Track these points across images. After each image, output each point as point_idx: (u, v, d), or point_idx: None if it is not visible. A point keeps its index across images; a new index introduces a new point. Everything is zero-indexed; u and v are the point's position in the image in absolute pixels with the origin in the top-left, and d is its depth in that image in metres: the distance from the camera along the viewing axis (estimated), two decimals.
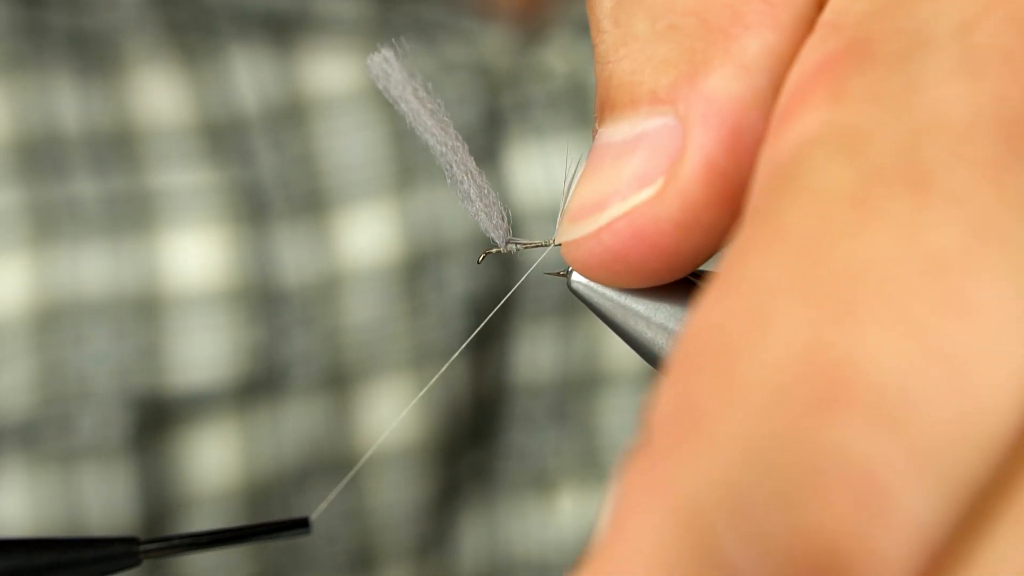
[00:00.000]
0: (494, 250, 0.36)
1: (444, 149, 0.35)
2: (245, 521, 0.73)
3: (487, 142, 0.74)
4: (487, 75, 0.74)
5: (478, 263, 0.37)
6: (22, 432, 0.69)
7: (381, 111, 0.74)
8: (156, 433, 0.71)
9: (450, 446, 0.75)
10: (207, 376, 0.71)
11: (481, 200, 0.35)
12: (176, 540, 0.39)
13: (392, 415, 0.74)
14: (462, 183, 0.35)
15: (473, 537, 0.77)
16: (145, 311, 0.71)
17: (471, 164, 0.35)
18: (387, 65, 0.35)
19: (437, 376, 0.47)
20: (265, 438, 0.72)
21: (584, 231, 0.31)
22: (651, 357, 0.34)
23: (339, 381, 0.73)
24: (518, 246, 0.36)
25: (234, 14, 0.73)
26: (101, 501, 0.70)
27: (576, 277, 0.34)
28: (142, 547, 0.39)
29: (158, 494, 0.71)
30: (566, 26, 0.76)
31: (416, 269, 0.74)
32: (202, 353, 0.71)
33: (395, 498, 0.75)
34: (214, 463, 0.72)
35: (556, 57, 0.75)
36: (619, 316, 0.34)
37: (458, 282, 0.74)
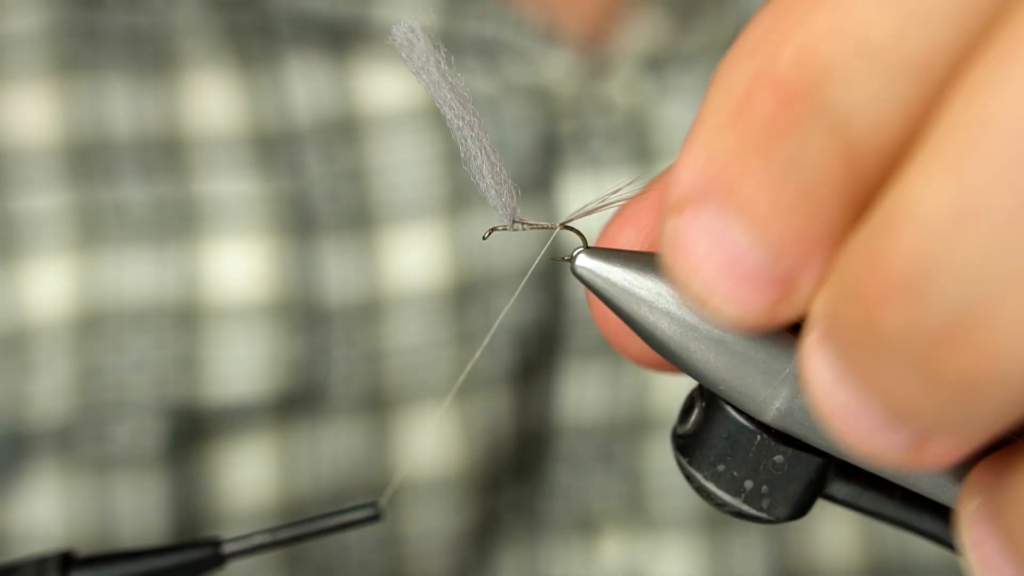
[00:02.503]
0: (500, 227, 0.36)
1: (461, 123, 0.35)
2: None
3: (542, 168, 0.74)
4: (547, 101, 0.74)
5: (484, 239, 0.37)
6: (58, 437, 0.69)
7: (436, 131, 0.74)
8: (191, 445, 0.71)
9: (491, 479, 0.74)
10: (245, 389, 0.70)
11: (493, 177, 0.35)
12: (256, 538, 0.41)
13: (432, 443, 0.73)
14: (475, 158, 0.35)
15: (513, 574, 0.75)
16: (186, 320, 0.70)
17: (486, 141, 0.35)
18: (412, 35, 0.35)
19: (480, 350, 0.48)
20: (301, 456, 0.72)
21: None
22: (653, 341, 0.34)
23: (379, 404, 0.73)
24: (524, 225, 0.36)
25: (295, 21, 0.74)
26: (134, 511, 0.70)
27: (580, 261, 0.34)
28: (226, 548, 0.41)
29: (190, 507, 0.71)
30: (631, 60, 0.76)
31: (463, 296, 0.73)
32: (241, 366, 0.70)
33: (432, 527, 0.74)
34: (248, 478, 0.72)
35: (619, 90, 0.75)
36: (623, 301, 0.34)
37: (507, 314, 0.73)
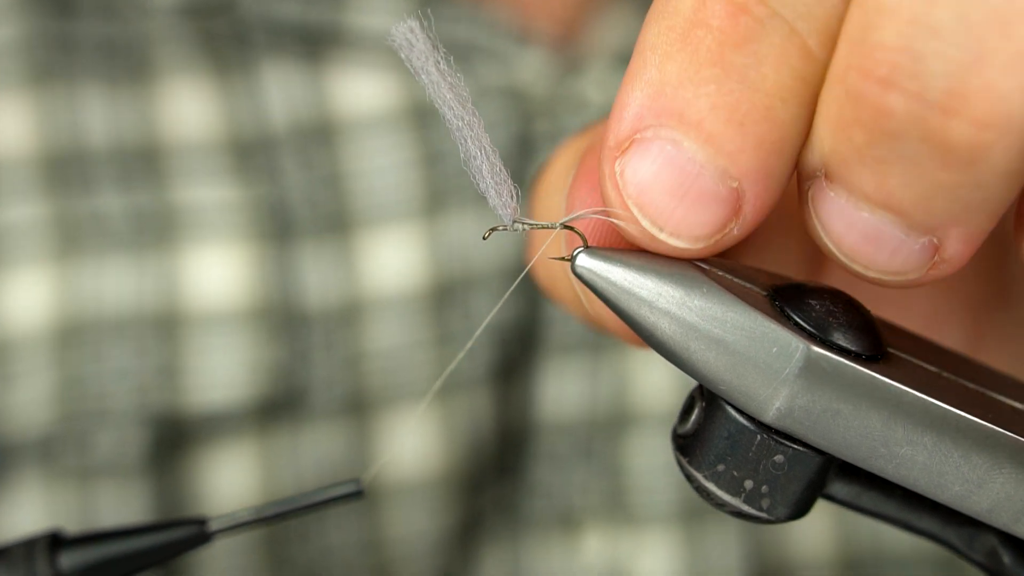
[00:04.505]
0: (500, 227, 0.36)
1: (460, 124, 0.35)
2: (263, 546, 0.72)
3: (518, 168, 0.74)
4: (521, 101, 0.74)
5: (484, 239, 0.37)
6: (40, 447, 0.69)
7: (412, 133, 0.73)
8: (173, 453, 0.70)
9: (473, 479, 0.74)
10: (226, 396, 0.70)
11: (492, 177, 0.35)
12: (242, 516, 0.41)
13: (414, 444, 0.73)
14: (475, 159, 0.35)
15: (496, 573, 0.75)
16: (166, 328, 0.70)
17: (486, 141, 0.35)
18: (412, 36, 0.35)
19: (462, 354, 0.48)
20: (283, 461, 0.72)
21: None
22: (653, 341, 0.34)
23: (360, 407, 0.72)
24: (524, 225, 0.36)
25: (269, 28, 0.73)
26: (117, 520, 0.69)
27: (580, 261, 0.34)
28: (212, 525, 0.41)
29: (173, 514, 0.70)
30: (604, 57, 0.75)
31: (442, 297, 0.73)
32: (221, 372, 0.70)
33: (415, 529, 0.73)
34: (231, 484, 0.71)
35: (592, 87, 0.75)
36: (623, 301, 0.34)
37: (485, 312, 0.73)
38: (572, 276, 0.35)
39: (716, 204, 0.32)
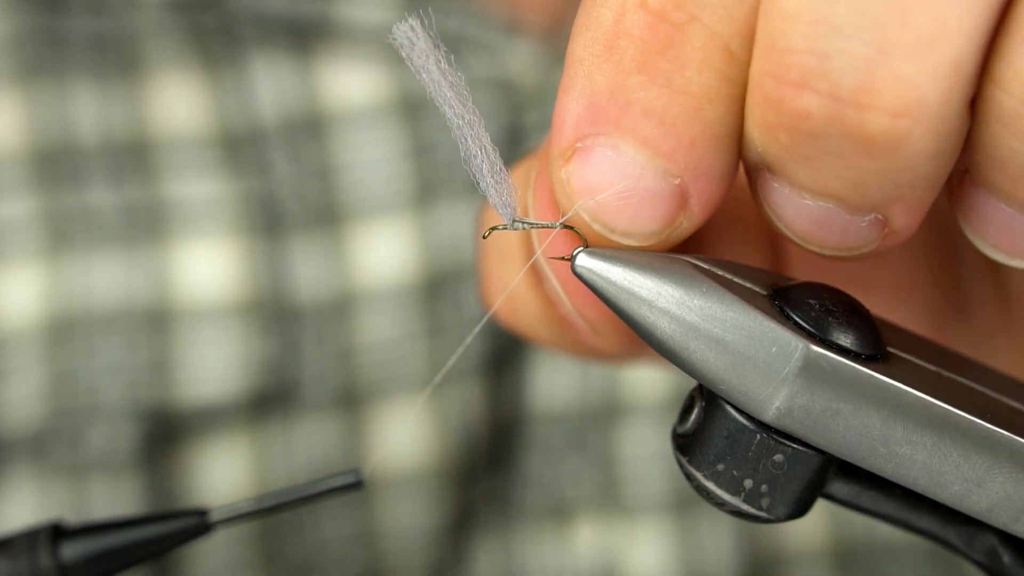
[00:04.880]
0: (500, 226, 0.36)
1: (461, 123, 0.35)
2: (257, 541, 0.72)
3: (508, 159, 0.74)
4: (511, 92, 0.74)
5: (484, 238, 0.37)
6: (32, 443, 0.68)
7: (402, 125, 0.73)
8: (165, 447, 0.70)
9: (466, 471, 0.74)
10: (217, 390, 0.70)
11: (492, 177, 0.35)
12: (242, 507, 0.42)
13: (407, 438, 0.73)
14: (475, 158, 0.35)
15: (488, 564, 0.75)
16: (157, 323, 0.70)
17: (486, 140, 0.35)
18: (413, 34, 0.35)
19: (459, 351, 0.48)
20: (275, 455, 0.72)
21: None
22: (653, 340, 0.34)
23: (352, 400, 0.72)
24: (524, 224, 0.36)
25: (258, 21, 0.73)
26: (110, 515, 0.70)
27: (580, 261, 0.34)
28: (213, 516, 0.42)
29: (167, 509, 0.70)
30: None
31: (434, 289, 0.73)
32: (213, 366, 0.70)
33: (408, 522, 0.73)
34: (223, 478, 0.71)
35: None
36: (622, 300, 0.34)
37: (477, 303, 0.73)
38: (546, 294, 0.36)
39: (661, 201, 0.33)
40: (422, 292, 0.73)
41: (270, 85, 0.73)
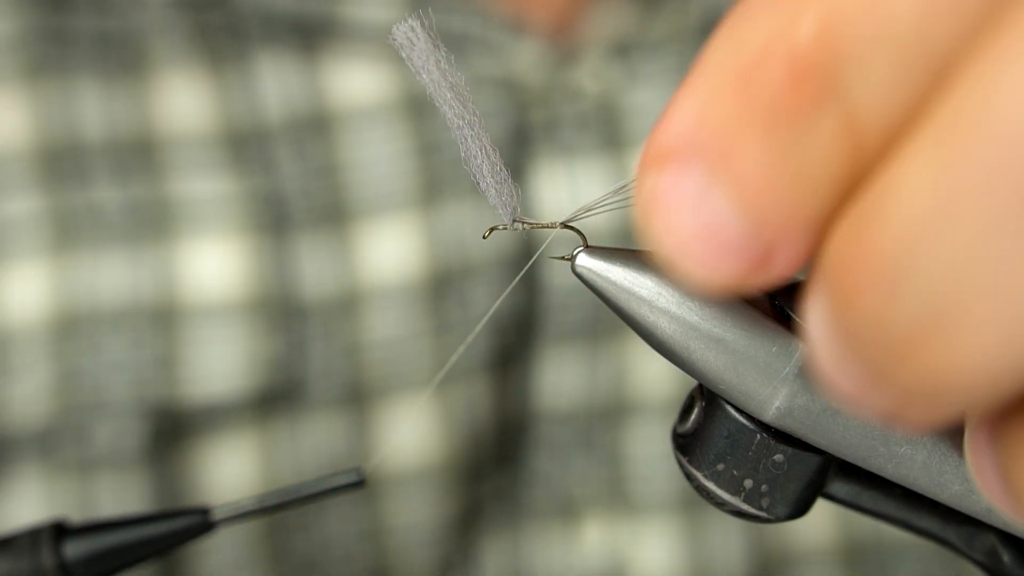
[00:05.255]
0: (501, 227, 0.36)
1: (461, 123, 0.35)
2: (264, 538, 0.72)
3: (513, 158, 0.74)
4: (517, 91, 0.74)
5: (484, 238, 0.37)
6: (38, 440, 0.69)
7: (407, 123, 0.73)
8: (171, 445, 0.70)
9: (472, 469, 0.74)
10: (223, 388, 0.70)
11: (493, 177, 0.35)
12: (245, 505, 0.42)
13: (413, 435, 0.73)
14: (475, 158, 0.35)
15: (495, 562, 0.75)
16: (163, 320, 0.70)
17: (486, 140, 0.35)
18: (413, 35, 0.35)
19: (463, 346, 0.48)
20: (282, 453, 0.72)
21: None
22: (653, 340, 0.34)
23: (358, 398, 0.72)
24: (525, 225, 0.36)
25: (264, 20, 0.73)
26: (116, 512, 0.70)
27: (580, 261, 0.34)
28: (215, 514, 0.42)
29: (173, 506, 0.70)
30: (599, 47, 0.75)
31: (440, 287, 0.73)
32: (219, 364, 0.70)
33: (415, 519, 0.74)
34: (230, 476, 0.71)
35: (588, 77, 0.75)
36: (622, 300, 0.34)
37: (482, 301, 0.73)
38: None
39: (740, 256, 0.30)
40: (428, 290, 0.73)
41: (276, 83, 0.73)
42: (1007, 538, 0.36)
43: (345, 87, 0.73)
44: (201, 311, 0.70)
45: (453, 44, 0.74)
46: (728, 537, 0.75)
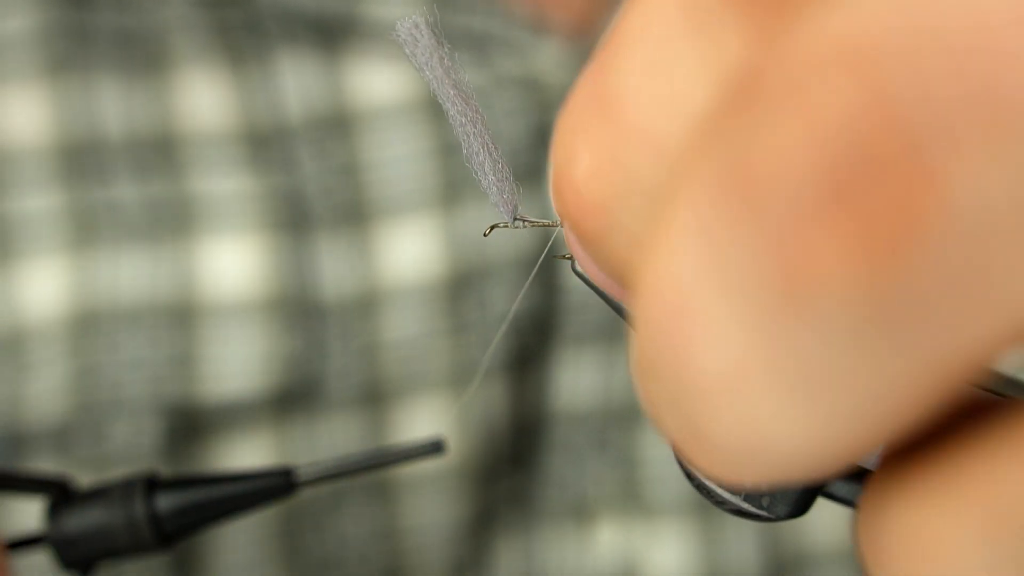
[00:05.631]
0: (501, 224, 0.36)
1: (464, 120, 0.35)
2: (279, 537, 0.72)
3: (534, 158, 0.74)
4: (538, 91, 0.74)
5: (484, 236, 0.38)
6: (55, 437, 0.69)
7: (429, 123, 0.73)
8: (188, 443, 0.70)
9: (487, 470, 0.74)
10: (241, 386, 0.70)
11: (495, 174, 0.35)
12: (327, 467, 0.43)
13: (429, 434, 0.73)
14: (477, 155, 0.35)
15: (508, 563, 0.75)
16: (181, 318, 0.70)
17: (488, 138, 0.35)
18: (416, 31, 0.35)
19: (494, 343, 0.48)
20: (300, 452, 0.72)
21: None
22: None
23: (376, 397, 0.72)
24: (526, 223, 0.36)
25: (285, 18, 0.73)
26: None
27: None
28: (299, 475, 0.43)
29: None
30: None
31: (459, 287, 0.73)
32: (237, 363, 0.70)
33: (429, 520, 0.74)
34: None
35: None
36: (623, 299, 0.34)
37: (501, 302, 0.73)
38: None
39: None
40: (447, 290, 0.73)
41: (296, 82, 0.73)
42: None
43: (366, 86, 0.74)
44: (219, 309, 0.70)
45: (475, 43, 0.74)
46: (742, 539, 0.75)
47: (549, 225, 0.36)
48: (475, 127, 0.35)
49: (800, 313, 0.20)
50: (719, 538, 0.75)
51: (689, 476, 0.36)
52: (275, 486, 0.43)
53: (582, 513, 0.75)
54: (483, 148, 0.35)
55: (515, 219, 0.36)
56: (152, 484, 0.44)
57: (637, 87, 0.24)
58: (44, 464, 0.69)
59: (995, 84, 0.19)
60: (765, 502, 0.35)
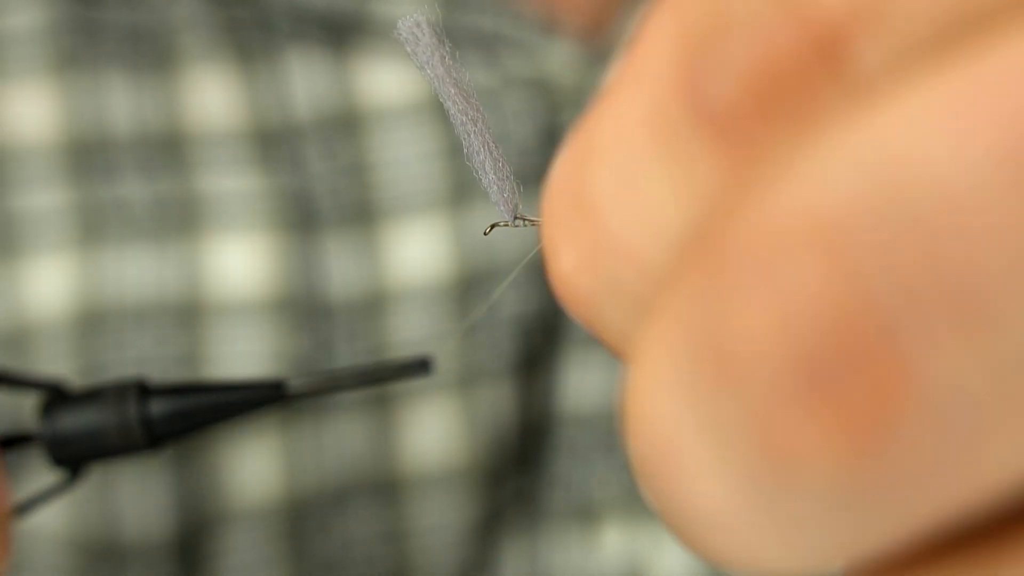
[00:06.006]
0: (502, 223, 0.36)
1: (464, 119, 0.35)
2: (284, 538, 0.72)
3: (544, 160, 0.74)
4: (549, 92, 0.74)
5: (485, 234, 0.38)
6: None
7: (437, 124, 0.73)
8: (192, 440, 0.71)
9: (494, 472, 0.74)
10: None
11: (495, 173, 0.35)
12: (319, 380, 0.44)
13: (436, 436, 0.73)
14: (478, 154, 0.35)
15: (514, 565, 0.75)
16: (187, 317, 0.70)
17: (489, 136, 0.35)
18: (417, 29, 0.35)
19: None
20: (306, 453, 0.72)
21: None
22: None
23: (383, 399, 0.73)
24: (526, 222, 0.36)
25: (294, 16, 0.73)
26: (137, 509, 0.70)
27: None
28: (290, 386, 0.44)
29: (195, 505, 0.70)
30: None
31: (467, 289, 0.73)
32: (243, 362, 0.70)
33: (435, 522, 0.74)
34: (253, 475, 0.71)
35: None
36: None
37: (509, 304, 0.73)
38: None
39: None
40: (455, 291, 0.73)
41: (305, 80, 0.73)
42: None
43: (375, 86, 0.74)
44: (226, 309, 0.70)
45: (484, 43, 0.74)
46: None
47: None
48: (476, 126, 0.35)
49: (782, 480, 0.20)
50: None
51: None
52: (266, 396, 0.44)
53: (588, 515, 0.75)
54: (484, 147, 0.35)
55: (515, 218, 0.36)
56: (144, 389, 0.45)
57: (612, 196, 0.24)
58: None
59: (968, 270, 0.18)
60: None
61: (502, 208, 0.35)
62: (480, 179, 0.35)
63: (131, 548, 0.70)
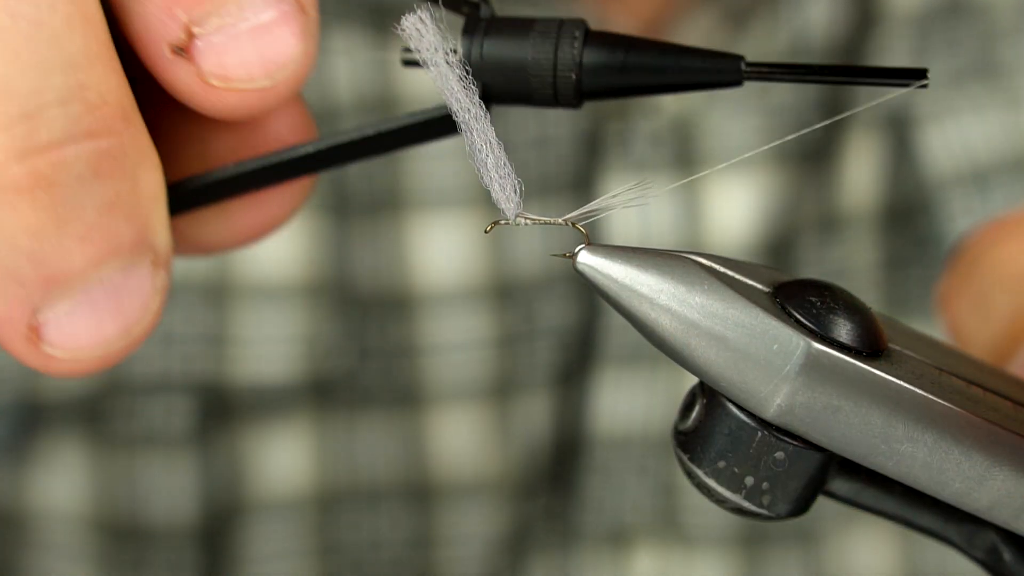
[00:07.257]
0: (503, 222, 0.36)
1: (467, 116, 0.35)
2: (312, 533, 0.72)
3: (583, 167, 0.73)
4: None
5: (486, 232, 0.38)
6: (86, 412, 0.70)
7: None
8: (220, 424, 0.71)
9: (526, 486, 0.74)
10: (274, 370, 0.70)
11: (497, 171, 0.36)
12: (781, 67, 0.37)
13: (469, 444, 0.73)
14: (480, 151, 0.36)
15: None
16: (215, 296, 0.71)
17: (491, 134, 0.35)
18: (421, 26, 0.35)
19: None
20: (338, 445, 0.72)
21: None
22: (654, 337, 0.34)
23: (414, 400, 0.73)
24: (528, 220, 0.36)
25: None
26: (161, 489, 0.70)
27: (582, 258, 0.34)
28: (748, 67, 0.37)
29: (221, 488, 0.71)
30: None
31: (497, 289, 0.73)
32: (270, 346, 0.70)
33: (466, 531, 0.74)
34: (282, 463, 0.71)
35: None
36: (624, 297, 0.34)
37: (547, 311, 0.73)
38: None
39: None
40: (486, 291, 0.73)
41: (347, 63, 0.73)
42: (1008, 536, 0.36)
43: (414, 74, 0.74)
44: (254, 290, 0.71)
45: None
46: (784, 570, 0.74)
47: (551, 223, 0.36)
48: (478, 123, 0.35)
49: None
50: (760, 568, 0.74)
51: (690, 475, 0.36)
52: (723, 68, 0.37)
53: (619, 538, 0.75)
54: (486, 144, 0.35)
55: (517, 216, 0.36)
56: (586, 32, 0.39)
57: None
58: (74, 438, 0.69)
59: None
60: (766, 500, 0.35)
61: (503, 206, 0.35)
62: (481, 177, 0.36)
63: (156, 532, 0.70)
